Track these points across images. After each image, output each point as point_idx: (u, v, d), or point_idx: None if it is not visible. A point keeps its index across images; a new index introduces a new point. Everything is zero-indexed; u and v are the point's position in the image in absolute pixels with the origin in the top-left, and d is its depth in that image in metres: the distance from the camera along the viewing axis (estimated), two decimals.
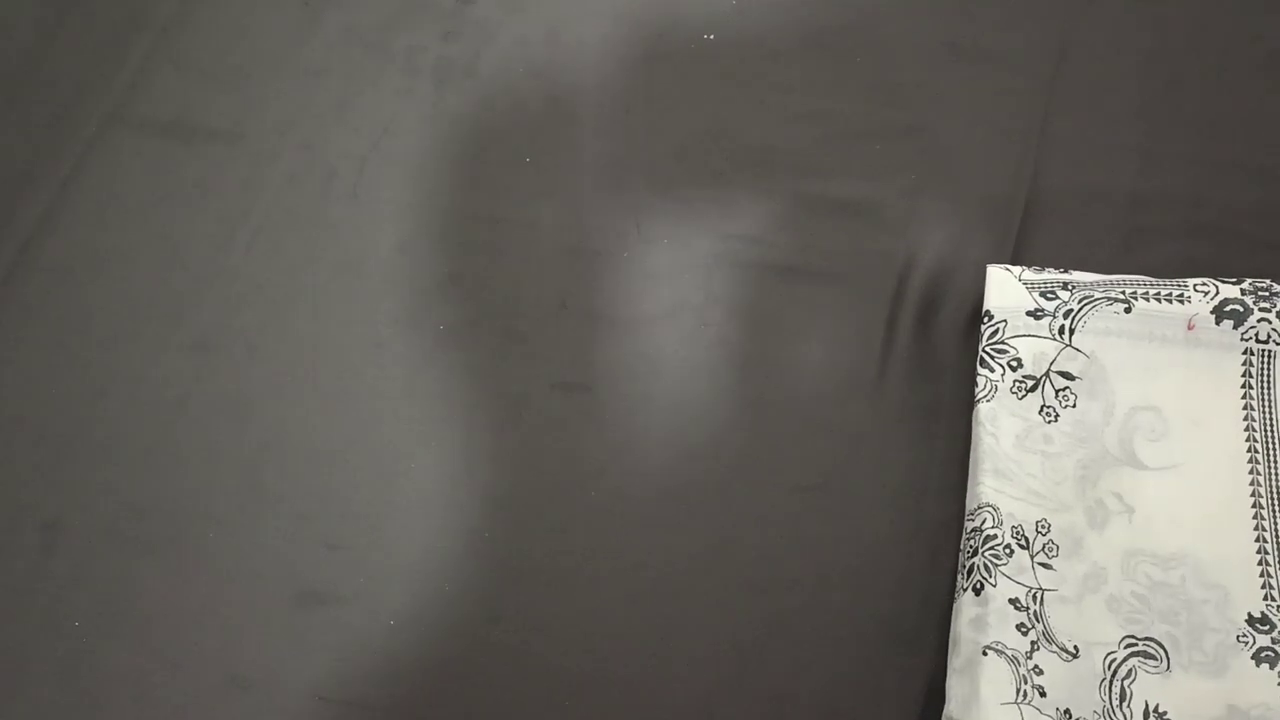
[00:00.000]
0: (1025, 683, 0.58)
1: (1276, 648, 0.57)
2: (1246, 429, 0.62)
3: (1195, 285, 0.65)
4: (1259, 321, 0.63)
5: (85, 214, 0.79)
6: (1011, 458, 0.63)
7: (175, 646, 0.65)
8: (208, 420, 0.71)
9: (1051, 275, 0.67)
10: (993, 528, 0.61)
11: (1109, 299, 0.65)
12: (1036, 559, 0.60)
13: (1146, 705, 0.57)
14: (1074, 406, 0.64)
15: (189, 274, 0.76)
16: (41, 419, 0.72)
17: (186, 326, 0.74)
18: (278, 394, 0.72)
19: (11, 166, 0.80)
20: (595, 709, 0.62)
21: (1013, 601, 0.59)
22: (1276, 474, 0.61)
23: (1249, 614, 0.58)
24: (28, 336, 0.75)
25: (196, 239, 0.77)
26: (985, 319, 0.67)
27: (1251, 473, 0.61)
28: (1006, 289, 0.67)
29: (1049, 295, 0.66)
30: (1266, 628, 0.58)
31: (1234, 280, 0.64)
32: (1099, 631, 0.59)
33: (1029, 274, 0.67)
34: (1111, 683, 0.57)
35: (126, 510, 0.69)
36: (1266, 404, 0.63)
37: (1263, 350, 0.63)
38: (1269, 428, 0.62)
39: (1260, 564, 0.59)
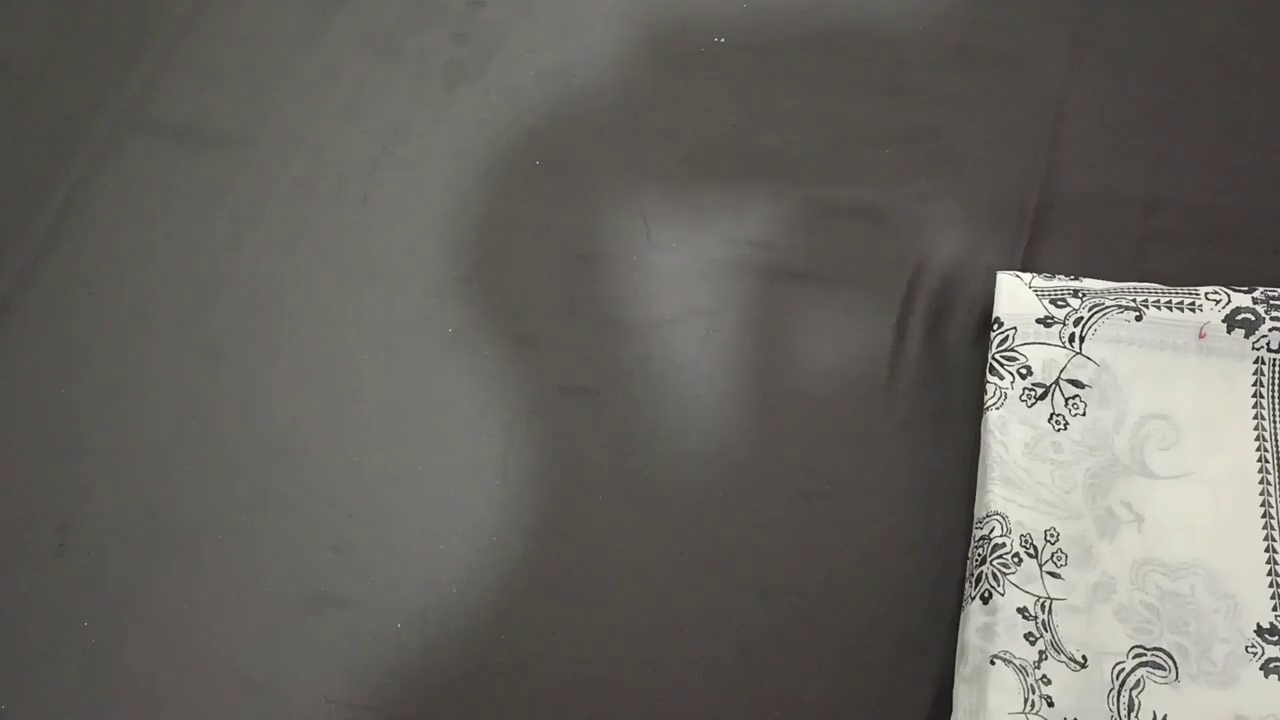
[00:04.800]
0: (1033, 692, 0.58)
1: None
2: (1257, 438, 0.62)
3: (1206, 294, 0.64)
4: (1270, 330, 0.63)
5: (97, 217, 0.79)
6: (1021, 466, 0.63)
7: (185, 649, 0.66)
8: (218, 423, 0.72)
9: (1062, 283, 0.67)
10: (1001, 536, 0.61)
11: (1120, 307, 0.65)
12: (1045, 568, 0.60)
13: (1155, 715, 0.57)
14: (1084, 415, 0.64)
15: (200, 277, 0.76)
16: (54, 422, 0.73)
17: (197, 330, 0.75)
18: (287, 397, 0.72)
19: (24, 170, 0.81)
20: (601, 713, 0.62)
21: (1021, 610, 0.59)
22: None
23: (1258, 624, 0.58)
24: (40, 340, 0.75)
25: (207, 242, 0.78)
26: (995, 326, 0.67)
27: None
28: (1016, 296, 0.67)
29: (1059, 303, 0.66)
30: (1276, 638, 0.57)
31: (1245, 289, 0.64)
32: (1108, 641, 0.58)
33: (1039, 281, 0.67)
34: (1120, 693, 0.57)
35: (137, 513, 0.69)
36: (1277, 413, 0.62)
37: (1274, 359, 0.63)
38: (1279, 437, 0.62)
39: (1270, 574, 0.59)
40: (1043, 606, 0.59)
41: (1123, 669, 0.58)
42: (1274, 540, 0.60)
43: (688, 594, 0.65)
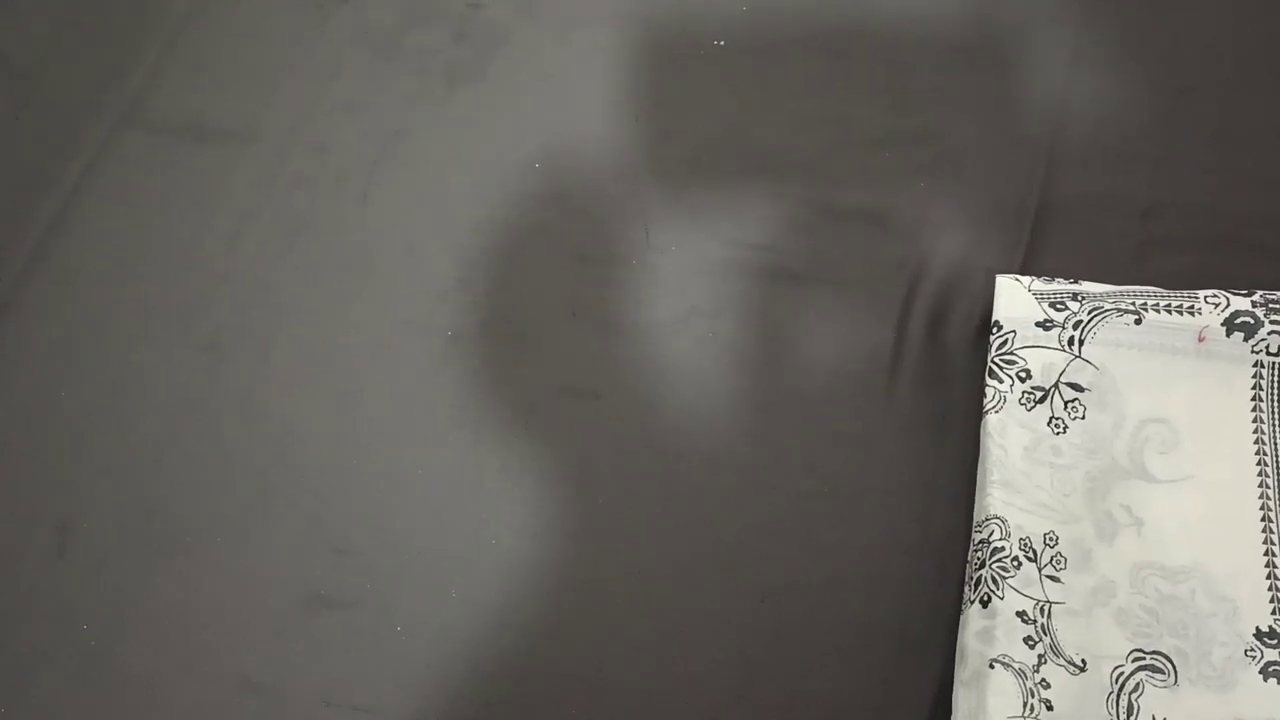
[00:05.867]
0: (1032, 696, 0.58)
1: None
2: (1256, 442, 0.62)
3: (1206, 297, 0.64)
4: (1269, 334, 0.63)
5: (97, 214, 0.79)
6: (1020, 469, 0.63)
7: (185, 649, 0.66)
8: (218, 422, 0.72)
9: (1061, 286, 0.67)
10: (1000, 539, 0.61)
11: (1119, 310, 0.65)
12: (1044, 571, 0.60)
13: (1154, 719, 0.57)
14: (1083, 418, 0.64)
15: (200, 275, 0.76)
16: (53, 420, 0.72)
17: (197, 328, 0.75)
18: (287, 396, 0.72)
19: (24, 167, 0.81)
20: (602, 715, 0.62)
21: (1020, 614, 0.59)
22: None
23: (1257, 628, 0.58)
24: (39, 337, 0.75)
25: (208, 240, 0.77)
26: (994, 329, 0.67)
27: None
28: (1016, 299, 0.67)
29: (1058, 306, 0.66)
30: (1275, 642, 0.58)
31: (1245, 292, 0.64)
32: (1107, 645, 0.59)
33: (1038, 284, 0.67)
34: (1119, 696, 0.57)
35: (137, 512, 0.69)
36: (1276, 417, 0.62)
37: (1273, 363, 0.63)
38: (1278, 441, 0.62)
39: (1269, 578, 0.59)
40: (1042, 610, 0.60)
41: (1122, 673, 0.58)
42: (1273, 544, 0.60)
43: (688, 594, 0.65)
